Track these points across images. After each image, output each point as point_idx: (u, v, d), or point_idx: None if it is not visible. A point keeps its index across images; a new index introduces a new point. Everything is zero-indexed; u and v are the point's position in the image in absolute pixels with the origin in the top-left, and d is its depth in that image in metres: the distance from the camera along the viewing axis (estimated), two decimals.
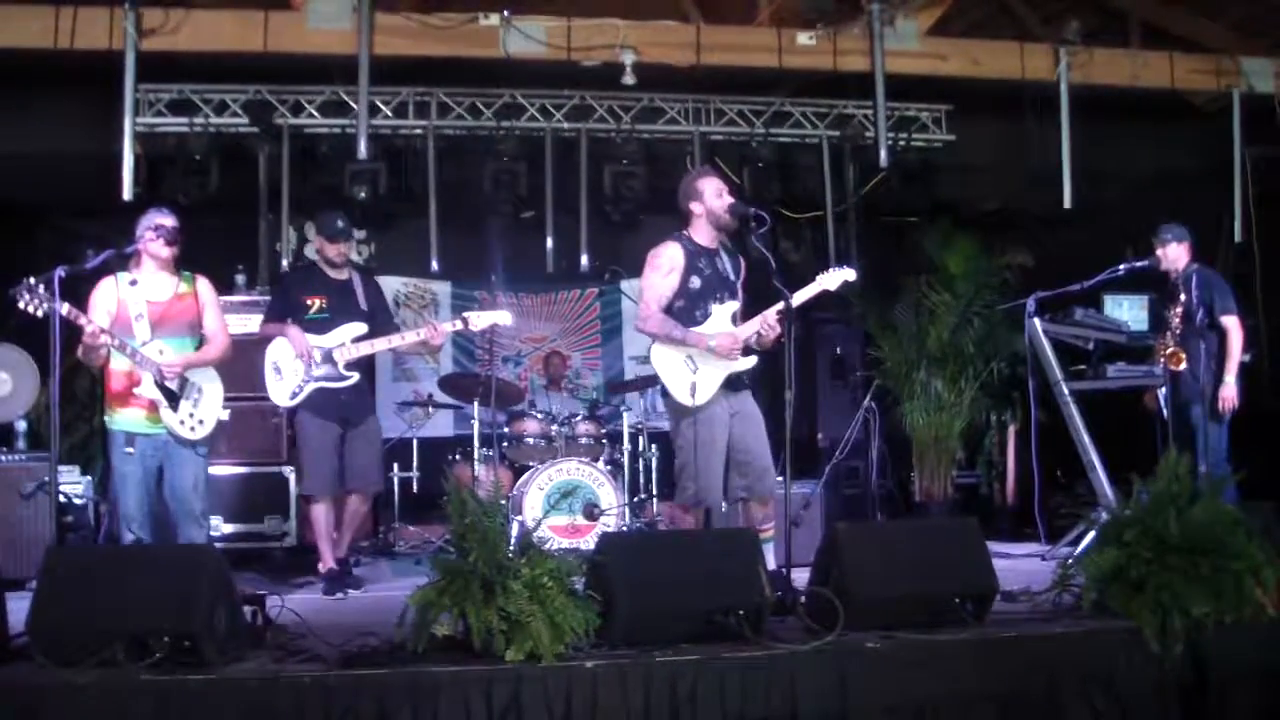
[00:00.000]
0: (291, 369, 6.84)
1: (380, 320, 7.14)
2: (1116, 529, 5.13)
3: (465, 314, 7.24)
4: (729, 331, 5.91)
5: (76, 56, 8.14)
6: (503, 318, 7.29)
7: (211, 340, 6.13)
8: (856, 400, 9.62)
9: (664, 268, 5.96)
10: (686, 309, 5.94)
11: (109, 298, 5.92)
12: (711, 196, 5.99)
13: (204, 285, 6.18)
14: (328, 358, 6.85)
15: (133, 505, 5.87)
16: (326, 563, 6.95)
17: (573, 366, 10.86)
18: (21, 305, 5.40)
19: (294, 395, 6.85)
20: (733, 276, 6.07)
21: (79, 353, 5.77)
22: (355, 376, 6.91)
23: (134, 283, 5.94)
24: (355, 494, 7.07)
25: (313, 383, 6.84)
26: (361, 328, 6.96)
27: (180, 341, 5.97)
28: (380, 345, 7.00)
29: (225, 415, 6.21)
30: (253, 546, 8.18)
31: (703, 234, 6.04)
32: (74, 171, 9.09)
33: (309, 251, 10.73)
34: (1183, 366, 7.39)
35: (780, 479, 5.93)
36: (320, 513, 6.96)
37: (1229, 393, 7.42)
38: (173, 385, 5.82)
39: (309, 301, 6.97)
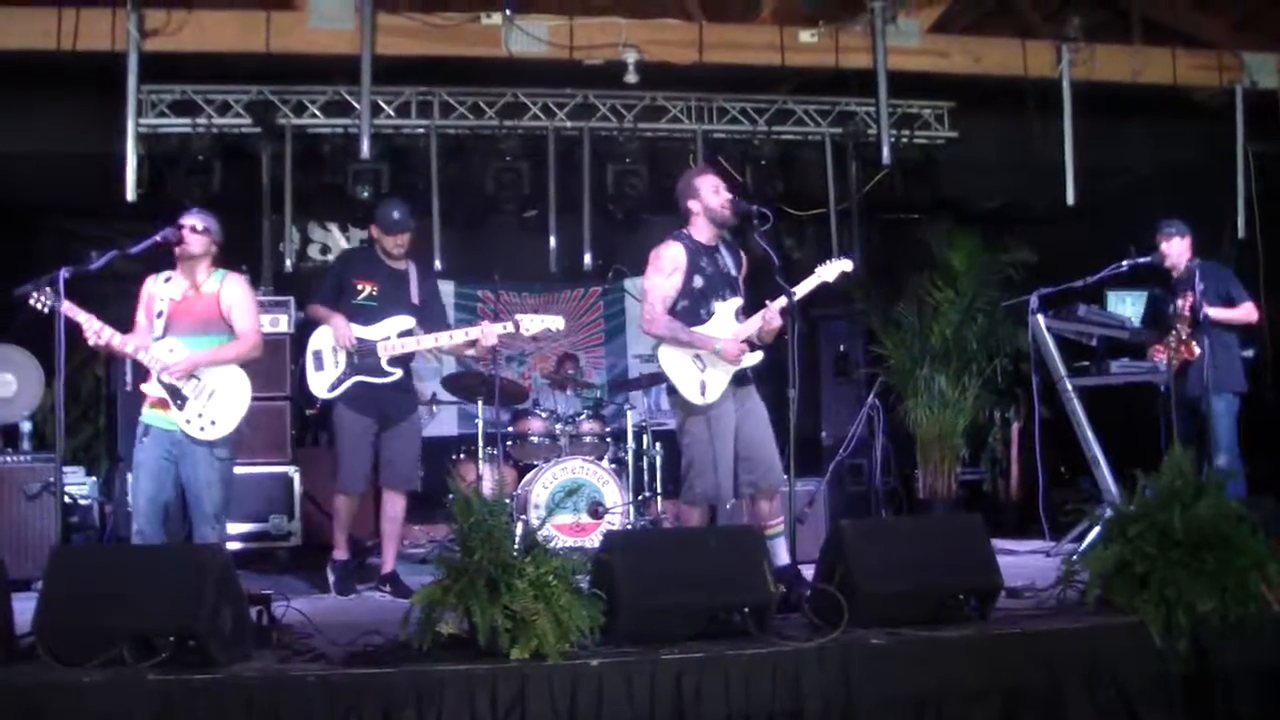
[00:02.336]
0: (333, 360, 6.69)
1: (432, 315, 6.93)
2: (1120, 525, 5.14)
3: (518, 316, 6.83)
4: (732, 338, 5.90)
5: (79, 58, 8.13)
6: (555, 322, 6.91)
7: (238, 339, 5.99)
8: (860, 397, 9.63)
9: (666, 268, 5.96)
10: (690, 308, 5.94)
11: (146, 294, 5.98)
12: (709, 194, 6.00)
13: (231, 283, 6.06)
14: (371, 351, 6.66)
15: (142, 499, 5.79)
16: (340, 552, 6.91)
17: (580, 366, 10.85)
18: (31, 302, 5.42)
19: (333, 387, 6.68)
20: (734, 272, 6.08)
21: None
22: (398, 373, 6.71)
23: (168, 280, 5.98)
24: (391, 492, 6.92)
25: (354, 376, 6.67)
26: (409, 322, 6.77)
27: (198, 339, 5.89)
28: (426, 343, 6.80)
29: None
30: (258, 546, 8.17)
31: (702, 231, 6.05)
32: (77, 173, 9.10)
33: (312, 252, 10.78)
34: (1196, 354, 7.36)
35: (785, 474, 5.94)
36: (343, 504, 6.89)
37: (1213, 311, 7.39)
38: (179, 384, 5.81)
39: (360, 286, 6.79)
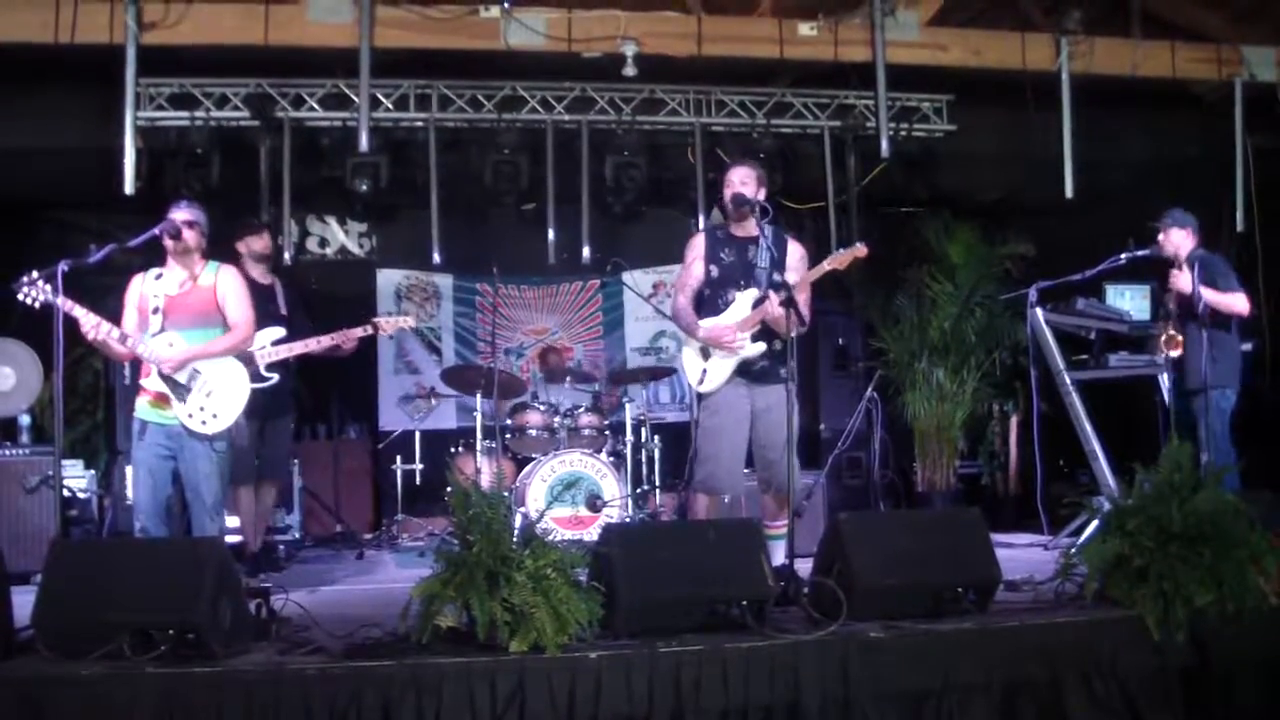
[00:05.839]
0: None
1: (297, 324, 7.52)
2: (1119, 518, 5.14)
3: (375, 319, 7.71)
4: (717, 322, 6.02)
5: (77, 51, 8.13)
6: (407, 321, 8.06)
7: (230, 330, 6.03)
8: (859, 391, 9.64)
9: (688, 257, 6.26)
10: (710, 297, 6.16)
11: (134, 293, 6.03)
12: (727, 185, 6.16)
13: (225, 275, 6.13)
14: (250, 360, 6.97)
15: (142, 495, 5.82)
16: (251, 546, 7.36)
17: (574, 358, 10.86)
18: (21, 296, 5.43)
19: None
20: (763, 264, 6.11)
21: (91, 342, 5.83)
22: (275, 378, 7.11)
23: (159, 276, 6.02)
24: (268, 483, 7.56)
25: None
26: (280, 332, 7.26)
27: (197, 333, 5.93)
28: (297, 349, 7.29)
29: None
30: None
31: (736, 221, 6.20)
32: (75, 166, 9.08)
33: (310, 245, 10.77)
34: (1177, 352, 7.35)
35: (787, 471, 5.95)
36: (243, 496, 7.30)
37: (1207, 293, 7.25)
38: (180, 378, 5.81)
39: None
